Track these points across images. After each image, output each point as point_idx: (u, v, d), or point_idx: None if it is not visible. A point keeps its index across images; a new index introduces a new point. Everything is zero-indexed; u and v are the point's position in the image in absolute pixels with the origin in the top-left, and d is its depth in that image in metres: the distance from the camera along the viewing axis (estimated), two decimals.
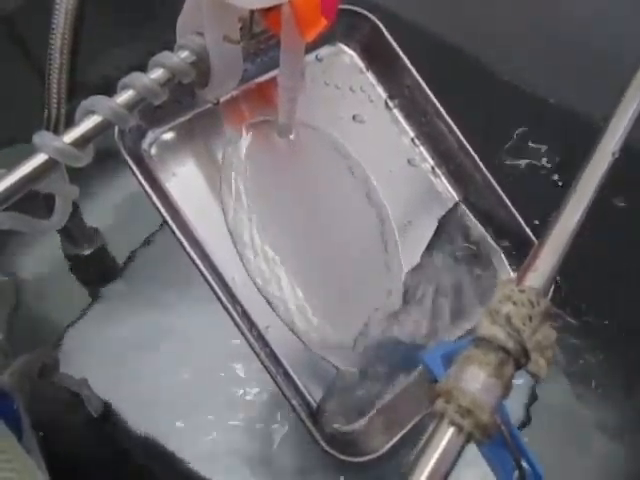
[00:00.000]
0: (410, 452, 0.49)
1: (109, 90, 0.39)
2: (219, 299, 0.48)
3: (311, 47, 0.57)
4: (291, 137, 0.56)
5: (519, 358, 0.29)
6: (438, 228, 0.58)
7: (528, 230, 0.57)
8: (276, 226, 0.54)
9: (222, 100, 0.55)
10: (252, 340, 0.47)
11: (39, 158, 0.36)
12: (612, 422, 0.66)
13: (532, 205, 0.67)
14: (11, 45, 0.83)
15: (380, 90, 0.61)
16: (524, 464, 0.31)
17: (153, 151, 0.53)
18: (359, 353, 0.52)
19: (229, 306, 0.47)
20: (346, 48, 0.61)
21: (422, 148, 0.60)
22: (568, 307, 0.70)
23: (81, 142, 0.37)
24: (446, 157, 0.60)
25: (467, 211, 0.60)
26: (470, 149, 0.57)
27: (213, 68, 0.43)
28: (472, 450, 0.28)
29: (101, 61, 0.74)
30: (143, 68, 0.40)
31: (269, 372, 0.47)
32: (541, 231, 0.35)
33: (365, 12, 0.58)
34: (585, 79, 0.81)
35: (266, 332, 0.50)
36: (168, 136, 0.54)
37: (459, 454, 0.27)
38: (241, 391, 0.61)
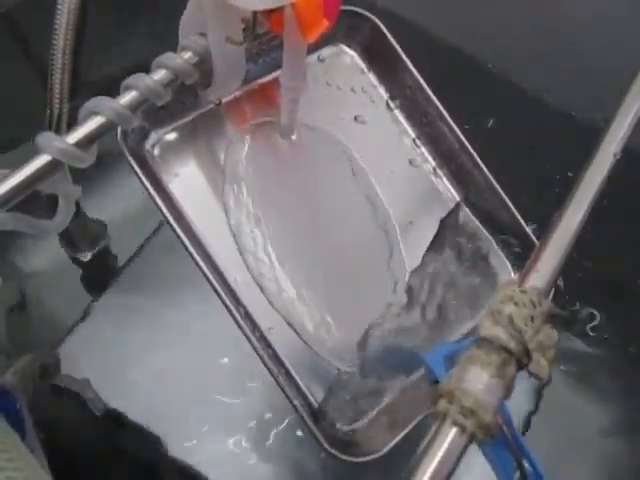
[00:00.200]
0: (412, 452, 0.49)
1: (111, 91, 0.39)
2: (221, 300, 0.48)
3: (313, 48, 0.57)
4: (293, 138, 0.56)
5: (521, 358, 0.29)
6: (439, 228, 0.58)
7: (529, 231, 0.57)
8: (278, 227, 0.54)
9: (224, 101, 0.55)
10: (254, 341, 0.47)
11: (42, 159, 0.36)
12: (613, 422, 0.66)
13: (533, 206, 0.67)
14: (11, 43, 0.83)
15: (381, 91, 0.61)
16: (526, 464, 0.32)
17: (156, 152, 0.53)
18: (361, 354, 0.52)
19: (231, 307, 0.47)
20: (347, 49, 0.61)
21: (423, 149, 0.60)
22: (569, 307, 0.70)
23: (84, 143, 0.37)
24: (447, 158, 0.60)
25: (468, 211, 0.60)
26: (471, 150, 0.57)
27: (216, 69, 0.43)
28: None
29: (103, 61, 0.75)
30: (146, 69, 0.40)
31: (271, 372, 0.47)
32: (543, 232, 0.35)
33: (366, 13, 0.58)
34: (585, 79, 0.81)
35: (268, 333, 0.50)
36: (171, 137, 0.54)
37: (462, 454, 0.27)
38: (242, 392, 0.61)
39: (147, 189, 0.48)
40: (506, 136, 0.80)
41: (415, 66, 0.58)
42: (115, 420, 0.60)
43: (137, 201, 0.70)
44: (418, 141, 0.61)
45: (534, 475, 0.32)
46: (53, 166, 0.36)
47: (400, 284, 0.55)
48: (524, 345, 0.29)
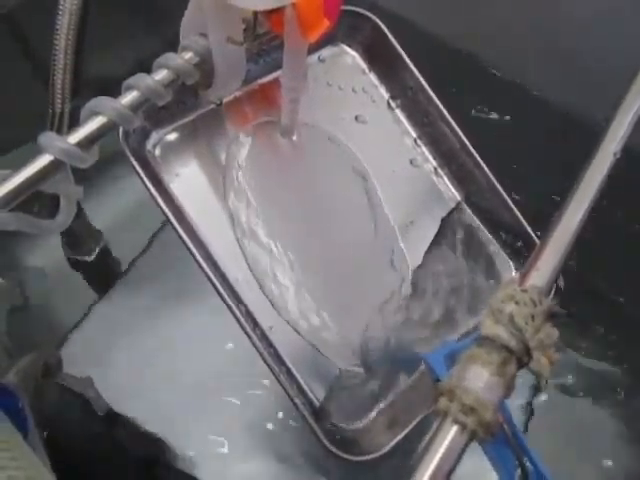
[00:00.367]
0: (413, 451, 0.49)
1: (113, 91, 0.39)
2: (223, 299, 0.48)
3: (313, 48, 0.57)
4: (294, 137, 0.56)
5: (521, 357, 0.29)
6: (440, 228, 0.58)
7: (530, 230, 0.57)
8: (279, 226, 0.54)
9: (225, 101, 0.55)
10: (256, 340, 0.47)
11: (44, 159, 0.36)
12: (613, 421, 0.66)
13: (534, 205, 0.67)
14: (12, 43, 0.83)
15: (382, 91, 0.61)
16: (526, 463, 0.32)
17: (157, 152, 0.53)
18: (362, 352, 0.52)
19: (233, 306, 0.48)
20: (348, 49, 0.61)
21: (424, 148, 0.60)
22: (570, 306, 0.70)
23: (86, 143, 0.37)
24: (448, 157, 0.60)
25: (469, 211, 0.60)
26: (472, 149, 0.58)
27: (216, 69, 0.43)
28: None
29: (104, 62, 0.75)
30: (147, 69, 0.40)
31: (272, 371, 0.47)
32: (543, 231, 0.35)
33: (367, 13, 0.58)
34: (585, 79, 0.81)
35: (269, 332, 0.50)
36: (172, 137, 0.54)
37: (462, 452, 0.27)
38: (244, 391, 0.62)
39: (148, 189, 0.49)
40: (506, 136, 0.80)
41: (416, 66, 0.58)
42: (117, 420, 0.60)
43: (138, 201, 0.70)
44: (419, 141, 0.61)
45: (535, 473, 0.32)
46: (55, 166, 0.36)
47: (401, 283, 0.55)
48: (525, 344, 0.29)
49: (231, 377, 0.62)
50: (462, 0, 0.90)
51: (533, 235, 0.57)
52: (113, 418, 0.60)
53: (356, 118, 0.60)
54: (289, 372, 0.50)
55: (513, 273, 0.59)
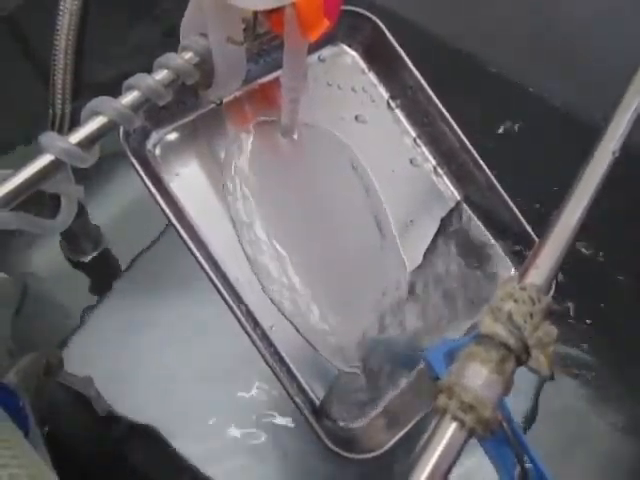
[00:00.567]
0: (412, 450, 0.49)
1: (113, 91, 0.39)
2: (223, 298, 0.48)
3: (313, 48, 0.57)
4: (294, 137, 0.56)
5: (520, 355, 0.29)
6: (440, 227, 0.58)
7: (529, 229, 0.57)
8: (279, 226, 0.54)
9: (225, 101, 0.55)
10: (256, 339, 0.47)
11: (45, 158, 0.36)
12: (614, 420, 0.66)
13: (533, 204, 0.67)
14: (13, 44, 0.84)
15: (382, 90, 0.61)
16: (526, 460, 0.32)
17: (157, 151, 0.53)
18: (361, 352, 0.52)
19: (233, 305, 0.48)
20: (348, 49, 0.61)
21: (424, 148, 0.61)
22: (571, 305, 0.70)
23: (87, 143, 0.37)
24: (448, 157, 0.60)
25: (469, 210, 0.60)
26: (472, 149, 0.58)
27: (216, 69, 0.43)
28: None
29: (105, 62, 0.75)
30: (147, 69, 0.41)
31: (273, 370, 0.47)
32: (542, 230, 0.36)
33: (367, 13, 0.58)
34: (585, 79, 0.81)
35: (270, 331, 0.50)
36: (172, 137, 0.54)
37: (461, 449, 0.27)
38: (244, 390, 0.62)
39: (149, 189, 0.49)
40: (506, 135, 0.80)
41: (415, 66, 0.58)
42: (117, 419, 0.60)
43: (138, 201, 0.70)
44: (419, 140, 0.61)
45: (534, 471, 0.32)
46: (56, 166, 0.36)
47: (401, 283, 0.56)
48: (523, 342, 0.29)
49: (232, 376, 0.62)
50: (462, 0, 0.90)
51: (532, 234, 0.57)
52: (113, 418, 0.60)
53: (356, 118, 0.60)
54: (289, 371, 0.50)
55: (512, 272, 0.59)
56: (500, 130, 0.81)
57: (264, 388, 0.61)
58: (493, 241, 0.60)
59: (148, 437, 0.60)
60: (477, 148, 0.58)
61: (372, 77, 0.61)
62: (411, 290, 0.56)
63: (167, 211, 0.48)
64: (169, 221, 0.49)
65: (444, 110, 0.58)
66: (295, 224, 0.55)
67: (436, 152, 0.60)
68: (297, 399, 0.48)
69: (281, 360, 0.50)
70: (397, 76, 0.60)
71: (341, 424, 0.51)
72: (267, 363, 0.48)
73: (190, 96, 0.53)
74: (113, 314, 0.65)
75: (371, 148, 0.59)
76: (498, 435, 0.29)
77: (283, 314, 0.52)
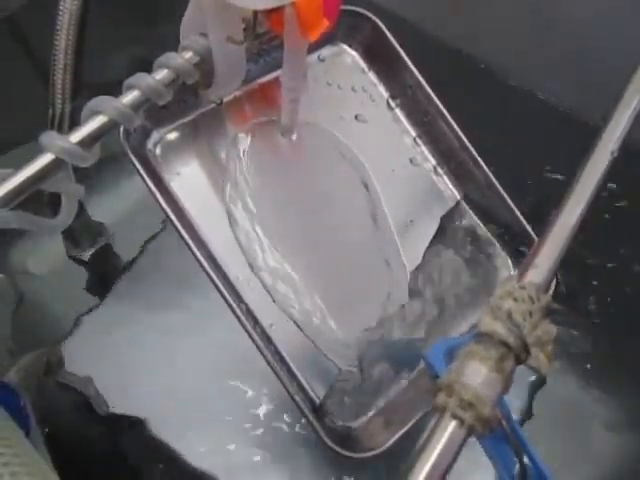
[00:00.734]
0: (412, 448, 0.50)
1: (113, 90, 0.39)
2: (223, 297, 0.48)
3: (313, 47, 0.57)
4: (294, 137, 0.57)
5: (519, 353, 0.29)
6: (440, 226, 0.58)
7: (529, 228, 0.57)
8: (280, 225, 0.54)
9: (225, 100, 0.56)
10: (256, 338, 0.47)
11: (46, 158, 0.36)
12: (614, 419, 0.66)
13: (533, 203, 0.67)
14: (13, 43, 0.84)
15: (382, 90, 0.61)
16: (525, 459, 0.32)
17: (158, 151, 0.53)
18: (362, 351, 0.52)
19: (233, 304, 0.48)
20: (348, 48, 0.61)
21: (424, 147, 0.61)
22: (571, 304, 0.70)
23: (87, 142, 0.37)
24: (448, 156, 0.60)
25: (469, 209, 0.60)
26: (471, 148, 0.58)
27: (216, 69, 0.43)
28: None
29: (105, 61, 0.75)
30: (148, 69, 0.41)
31: (273, 369, 0.48)
32: (541, 229, 0.36)
33: (366, 12, 0.59)
34: (585, 79, 0.81)
35: (270, 330, 0.51)
36: (172, 136, 0.54)
37: (461, 447, 0.27)
38: (245, 390, 0.62)
39: (149, 188, 0.49)
40: (506, 135, 0.80)
41: (415, 65, 0.59)
42: (116, 419, 0.60)
43: (139, 200, 0.70)
44: (419, 140, 0.61)
45: (533, 469, 0.32)
46: (56, 165, 0.36)
47: (401, 282, 0.56)
48: (522, 340, 0.29)
49: (232, 375, 0.62)
50: (462, 0, 0.91)
51: (532, 233, 0.57)
52: (112, 417, 0.60)
53: (356, 117, 0.60)
54: (289, 370, 0.50)
55: (512, 271, 0.59)
56: (500, 130, 0.81)
57: (264, 387, 0.61)
58: (492, 240, 0.60)
59: (148, 436, 0.60)
60: (476, 147, 0.58)
61: (372, 77, 0.61)
62: (411, 289, 0.56)
63: (167, 210, 0.49)
64: (169, 220, 0.49)
65: (444, 109, 0.58)
66: (295, 223, 0.55)
67: (436, 151, 0.61)
68: (297, 398, 0.48)
69: (281, 359, 0.50)
70: (397, 76, 0.60)
71: (341, 423, 0.51)
72: (267, 362, 0.48)
73: (190, 95, 0.53)
74: (113, 313, 0.65)
75: (371, 148, 0.59)
76: (497, 433, 0.29)
77: (284, 313, 0.52)
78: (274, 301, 0.52)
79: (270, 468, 0.59)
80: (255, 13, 0.43)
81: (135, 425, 0.60)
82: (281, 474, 0.59)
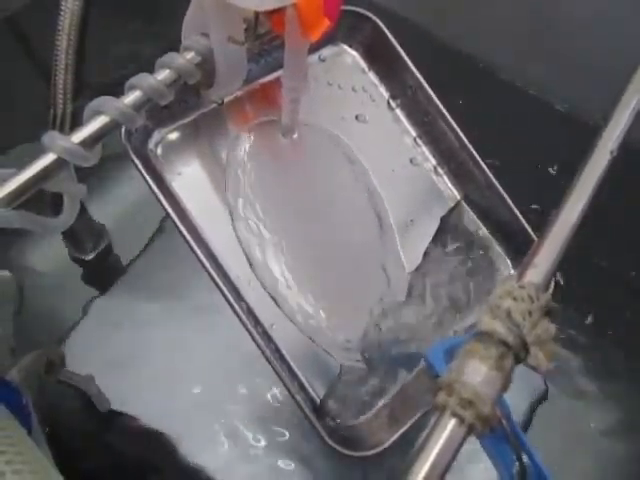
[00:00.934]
0: (412, 447, 0.50)
1: (115, 91, 0.39)
2: (224, 296, 0.48)
3: (314, 48, 0.57)
4: (294, 137, 0.57)
5: (519, 352, 0.30)
6: (440, 226, 0.58)
7: (529, 228, 0.57)
8: (280, 225, 0.54)
9: (226, 100, 0.56)
10: (257, 337, 0.48)
11: (48, 158, 0.36)
12: (614, 420, 0.66)
13: (533, 203, 0.67)
14: (14, 44, 0.84)
15: (382, 90, 0.61)
16: (524, 458, 0.32)
17: (159, 151, 0.53)
18: (362, 350, 0.52)
19: (234, 303, 0.48)
20: (348, 49, 0.61)
21: (424, 147, 0.61)
22: (571, 304, 0.70)
23: (89, 142, 0.37)
24: (448, 156, 0.60)
25: (469, 209, 0.60)
26: (471, 148, 0.58)
27: (218, 69, 0.43)
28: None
29: (106, 62, 0.75)
30: (149, 69, 0.41)
31: (274, 368, 0.48)
32: (541, 228, 0.36)
33: (367, 13, 0.59)
34: (585, 79, 0.81)
35: (271, 329, 0.51)
36: (174, 136, 0.54)
37: (461, 445, 0.27)
38: (245, 388, 0.62)
39: (150, 188, 0.49)
40: (506, 134, 0.80)
41: (415, 65, 0.59)
42: (117, 418, 0.60)
43: (140, 200, 0.71)
44: (419, 140, 0.61)
45: (533, 468, 0.33)
46: (58, 165, 0.37)
47: (400, 281, 0.56)
48: (522, 339, 0.30)
49: (232, 374, 0.62)
50: (462, 0, 0.91)
51: (531, 233, 0.57)
52: (114, 416, 0.60)
53: (356, 117, 0.60)
54: (290, 369, 0.50)
55: (511, 271, 0.59)
56: (500, 130, 0.81)
57: (265, 386, 0.61)
58: (492, 240, 0.60)
59: (149, 435, 0.60)
60: (476, 147, 0.58)
61: (372, 77, 0.61)
62: (411, 289, 0.56)
63: (168, 210, 0.49)
64: (170, 219, 0.49)
65: (444, 110, 0.58)
66: (295, 223, 0.55)
67: (436, 151, 0.61)
68: (298, 397, 0.48)
69: (282, 358, 0.50)
70: (397, 76, 0.60)
71: (342, 422, 0.51)
72: (268, 361, 0.48)
73: (192, 96, 0.54)
74: (114, 312, 0.66)
75: (371, 148, 0.59)
76: (497, 432, 0.30)
77: (284, 312, 0.52)
78: (274, 301, 0.52)
79: (271, 468, 0.59)
80: (256, 13, 0.43)
81: (136, 423, 0.60)
82: (281, 473, 0.59)
